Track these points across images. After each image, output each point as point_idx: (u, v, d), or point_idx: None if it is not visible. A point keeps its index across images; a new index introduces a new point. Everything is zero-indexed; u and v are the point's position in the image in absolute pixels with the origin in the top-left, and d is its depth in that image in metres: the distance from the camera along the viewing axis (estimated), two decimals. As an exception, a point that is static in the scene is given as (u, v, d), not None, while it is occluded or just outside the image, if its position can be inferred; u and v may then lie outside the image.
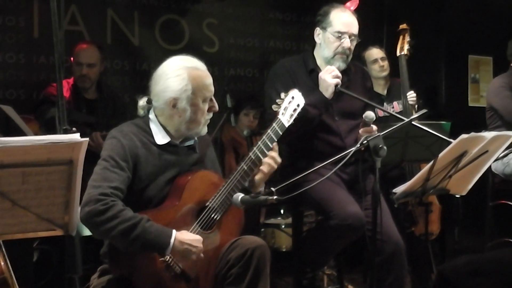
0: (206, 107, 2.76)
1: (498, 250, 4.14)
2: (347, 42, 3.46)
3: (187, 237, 2.56)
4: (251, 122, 5.19)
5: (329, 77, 3.37)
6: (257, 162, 2.79)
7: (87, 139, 1.97)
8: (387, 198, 3.37)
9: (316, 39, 3.56)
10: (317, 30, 3.55)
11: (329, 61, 3.49)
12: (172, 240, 2.51)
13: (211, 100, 2.78)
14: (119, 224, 2.44)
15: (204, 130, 2.80)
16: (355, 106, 3.55)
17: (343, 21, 3.47)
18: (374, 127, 3.34)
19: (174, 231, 2.54)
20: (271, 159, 2.83)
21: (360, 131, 3.37)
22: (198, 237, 2.61)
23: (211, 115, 2.81)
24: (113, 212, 2.45)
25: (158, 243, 2.50)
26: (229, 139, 5.17)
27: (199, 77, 2.73)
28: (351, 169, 3.47)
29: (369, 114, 3.29)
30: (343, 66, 3.51)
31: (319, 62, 3.56)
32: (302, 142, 3.49)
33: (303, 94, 2.97)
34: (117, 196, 2.51)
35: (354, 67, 3.69)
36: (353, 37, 3.48)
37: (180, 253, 2.56)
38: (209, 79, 2.76)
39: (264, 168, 2.84)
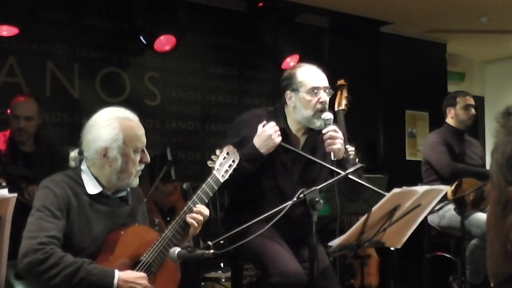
0: (138, 158, 2.74)
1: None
2: (324, 96, 3.35)
3: (130, 275, 2.55)
4: None
5: (276, 135, 3.27)
6: None
7: (15, 194, 1.93)
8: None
9: (289, 102, 3.40)
10: (288, 94, 3.40)
11: (309, 120, 3.35)
12: (115, 280, 2.50)
13: (143, 151, 2.77)
14: (62, 270, 2.44)
15: (136, 182, 2.78)
16: (317, 170, 3.42)
17: (313, 77, 3.38)
18: (333, 127, 3.28)
19: (116, 271, 2.52)
20: (197, 215, 2.79)
21: (324, 138, 3.28)
22: (142, 274, 2.60)
23: (142, 166, 2.79)
24: (54, 260, 2.44)
25: (102, 284, 2.48)
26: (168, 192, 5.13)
27: (130, 127, 2.72)
28: (292, 227, 3.40)
29: (327, 115, 3.27)
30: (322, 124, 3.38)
31: (290, 121, 3.43)
32: (250, 200, 3.41)
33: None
34: (55, 244, 2.50)
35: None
36: (327, 90, 3.39)
37: None
38: (141, 130, 2.76)
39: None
